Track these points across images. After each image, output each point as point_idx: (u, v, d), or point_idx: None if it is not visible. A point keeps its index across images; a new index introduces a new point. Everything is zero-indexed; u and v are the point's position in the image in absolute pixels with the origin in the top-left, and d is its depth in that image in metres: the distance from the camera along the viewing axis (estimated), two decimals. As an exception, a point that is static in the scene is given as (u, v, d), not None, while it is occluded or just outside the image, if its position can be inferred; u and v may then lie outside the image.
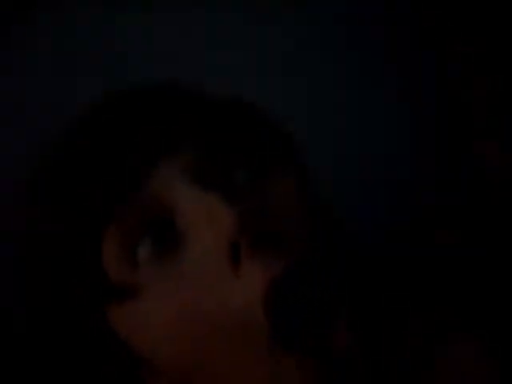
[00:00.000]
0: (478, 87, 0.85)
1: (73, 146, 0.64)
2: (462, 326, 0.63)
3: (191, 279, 0.58)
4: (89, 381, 0.63)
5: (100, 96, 0.66)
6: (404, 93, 0.87)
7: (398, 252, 0.76)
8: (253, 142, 0.63)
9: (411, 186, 0.84)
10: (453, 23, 0.86)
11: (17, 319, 0.67)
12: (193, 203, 0.59)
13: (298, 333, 0.57)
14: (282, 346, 0.57)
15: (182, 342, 0.58)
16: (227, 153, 0.62)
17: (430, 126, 0.87)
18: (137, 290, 0.59)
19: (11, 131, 0.79)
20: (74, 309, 0.62)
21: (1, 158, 0.78)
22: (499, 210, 0.81)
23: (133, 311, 0.59)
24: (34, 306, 0.65)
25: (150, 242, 0.59)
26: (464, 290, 0.69)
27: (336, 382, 0.58)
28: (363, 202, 0.81)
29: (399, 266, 0.73)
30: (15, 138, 0.78)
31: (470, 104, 0.85)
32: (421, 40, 0.87)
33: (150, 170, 0.60)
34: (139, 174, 0.60)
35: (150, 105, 0.63)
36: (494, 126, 0.84)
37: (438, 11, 0.87)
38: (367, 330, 0.61)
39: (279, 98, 0.80)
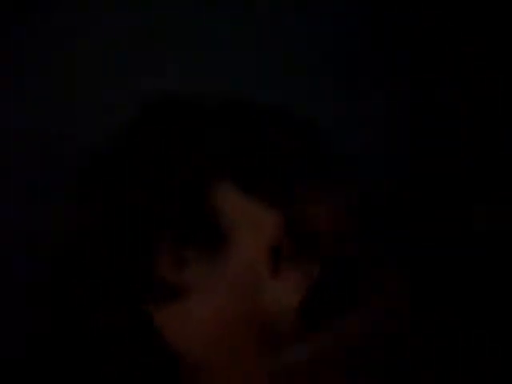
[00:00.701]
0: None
1: (127, 146, 0.65)
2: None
3: (232, 280, 0.60)
4: (128, 375, 0.63)
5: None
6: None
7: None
8: (294, 146, 0.64)
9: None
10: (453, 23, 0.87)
11: (60, 315, 0.67)
12: (237, 206, 0.61)
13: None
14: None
15: (218, 340, 0.60)
16: (271, 157, 0.63)
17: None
18: (182, 290, 0.61)
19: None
20: (121, 306, 0.63)
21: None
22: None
23: (177, 310, 0.61)
24: (79, 302, 0.66)
25: (197, 243, 0.61)
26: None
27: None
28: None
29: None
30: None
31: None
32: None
33: (207, 184, 0.62)
34: (197, 190, 0.62)
35: (208, 118, 0.65)
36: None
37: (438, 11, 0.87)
38: None
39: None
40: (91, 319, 0.65)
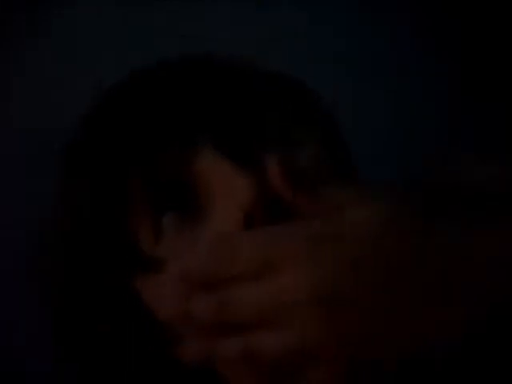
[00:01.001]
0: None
1: (106, 114, 0.65)
2: None
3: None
4: (117, 343, 0.63)
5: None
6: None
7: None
8: (277, 111, 0.63)
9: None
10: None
11: (48, 286, 0.67)
12: (216, 172, 0.60)
13: None
14: None
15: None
16: (251, 127, 0.62)
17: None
18: (161, 261, 0.60)
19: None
20: (102, 278, 0.63)
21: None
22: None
23: (156, 282, 0.60)
24: (63, 277, 0.65)
25: (174, 212, 0.60)
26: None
27: None
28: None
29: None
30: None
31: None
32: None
33: (178, 146, 0.61)
34: (171, 151, 0.61)
35: (184, 78, 0.64)
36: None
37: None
38: None
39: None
40: (80, 298, 0.64)
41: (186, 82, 0.64)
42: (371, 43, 0.88)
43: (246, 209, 0.58)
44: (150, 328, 0.62)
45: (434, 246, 0.51)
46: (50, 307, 0.67)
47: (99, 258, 0.63)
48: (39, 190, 0.70)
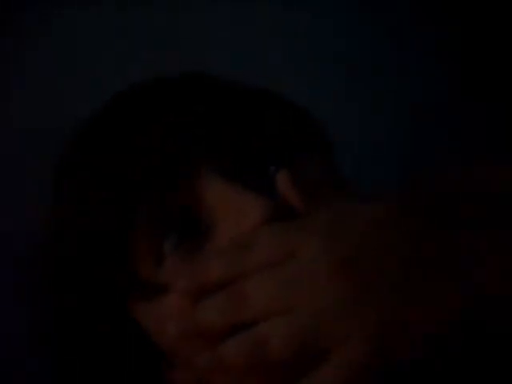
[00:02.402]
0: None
1: (103, 137, 0.63)
2: None
3: None
4: (111, 370, 0.62)
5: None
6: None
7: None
8: (280, 131, 0.62)
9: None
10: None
11: (42, 310, 0.67)
12: (220, 197, 0.58)
13: None
14: None
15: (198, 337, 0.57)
16: (257, 148, 0.61)
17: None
18: (161, 285, 0.58)
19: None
20: (100, 301, 0.62)
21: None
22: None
23: (157, 306, 0.59)
24: (59, 299, 0.65)
25: (176, 236, 0.59)
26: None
27: None
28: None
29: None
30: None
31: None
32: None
33: (186, 170, 0.59)
34: (175, 175, 0.59)
35: (178, 96, 0.63)
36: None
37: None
38: None
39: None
40: (75, 317, 0.64)
41: (187, 103, 0.63)
42: (371, 43, 0.88)
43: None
44: (146, 353, 0.61)
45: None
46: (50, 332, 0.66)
47: (97, 282, 0.61)
48: (39, 191, 0.70)
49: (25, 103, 0.79)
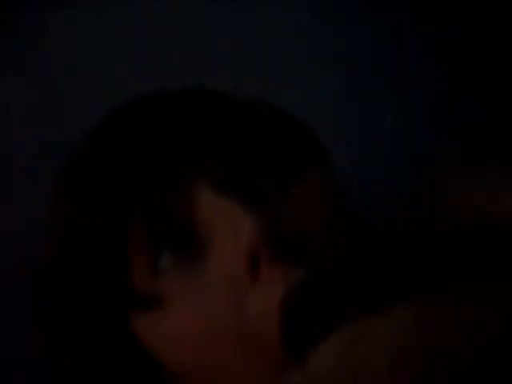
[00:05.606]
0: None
1: (103, 137, 0.63)
2: None
3: (210, 289, 0.57)
4: (111, 370, 0.62)
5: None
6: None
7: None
8: (278, 146, 0.62)
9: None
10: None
11: (42, 310, 0.67)
12: (215, 210, 0.58)
13: (309, 344, 0.54)
14: (292, 357, 0.55)
15: (198, 349, 0.57)
16: (253, 161, 0.60)
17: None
18: (159, 299, 0.58)
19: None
20: (100, 301, 0.61)
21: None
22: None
23: (154, 319, 0.59)
24: (59, 299, 0.64)
25: (172, 251, 0.59)
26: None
27: None
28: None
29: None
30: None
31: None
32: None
33: (178, 182, 0.59)
34: (175, 175, 0.59)
35: (181, 111, 0.62)
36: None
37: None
38: None
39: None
40: (75, 318, 0.63)
41: (187, 103, 0.63)
42: (371, 43, 0.88)
43: (252, 247, 0.56)
44: (145, 368, 0.61)
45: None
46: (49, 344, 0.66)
47: (97, 282, 0.61)
48: (39, 191, 0.70)
49: (25, 103, 0.79)
